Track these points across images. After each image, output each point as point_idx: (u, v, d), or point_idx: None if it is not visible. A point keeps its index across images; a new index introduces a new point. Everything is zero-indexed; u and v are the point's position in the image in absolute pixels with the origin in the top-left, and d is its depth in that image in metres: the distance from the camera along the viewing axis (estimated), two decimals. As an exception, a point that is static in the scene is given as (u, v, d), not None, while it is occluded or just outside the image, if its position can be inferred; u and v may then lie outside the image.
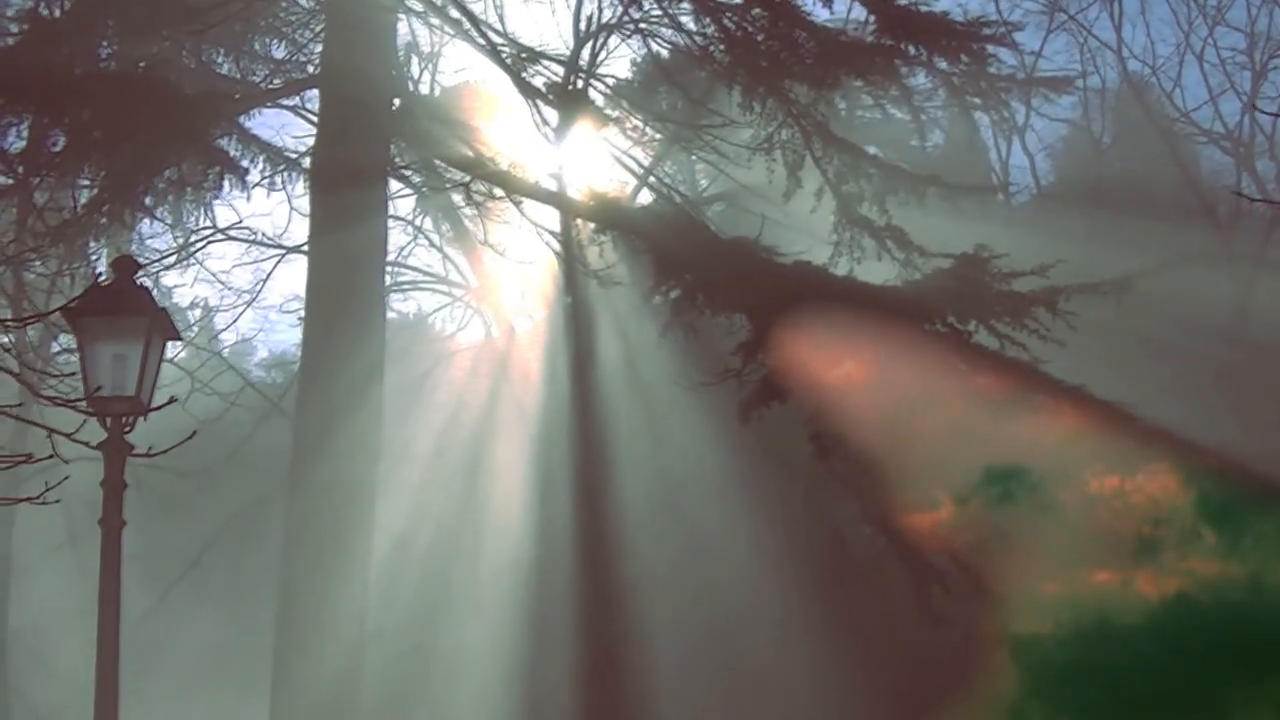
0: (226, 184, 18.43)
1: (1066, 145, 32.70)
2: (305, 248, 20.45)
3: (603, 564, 21.43)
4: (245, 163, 19.10)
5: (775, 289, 16.06)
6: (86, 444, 9.71)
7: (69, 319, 10.96)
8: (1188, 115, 29.88)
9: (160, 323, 11.04)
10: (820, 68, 17.36)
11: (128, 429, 10.80)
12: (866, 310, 15.61)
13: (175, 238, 24.07)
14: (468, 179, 18.69)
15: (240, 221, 22.81)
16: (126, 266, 11.25)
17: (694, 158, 25.24)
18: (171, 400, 11.15)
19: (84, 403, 10.38)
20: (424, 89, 24.52)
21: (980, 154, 30.56)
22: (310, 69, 20.71)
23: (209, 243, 23.33)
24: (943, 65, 18.03)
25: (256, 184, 19.53)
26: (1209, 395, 22.67)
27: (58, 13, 19.10)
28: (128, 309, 10.91)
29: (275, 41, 21.36)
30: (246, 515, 27.01)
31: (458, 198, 21.94)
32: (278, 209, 33.40)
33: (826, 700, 20.44)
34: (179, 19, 17.77)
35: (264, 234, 24.03)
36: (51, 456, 9.02)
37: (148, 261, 22.81)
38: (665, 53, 20.71)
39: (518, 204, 18.34)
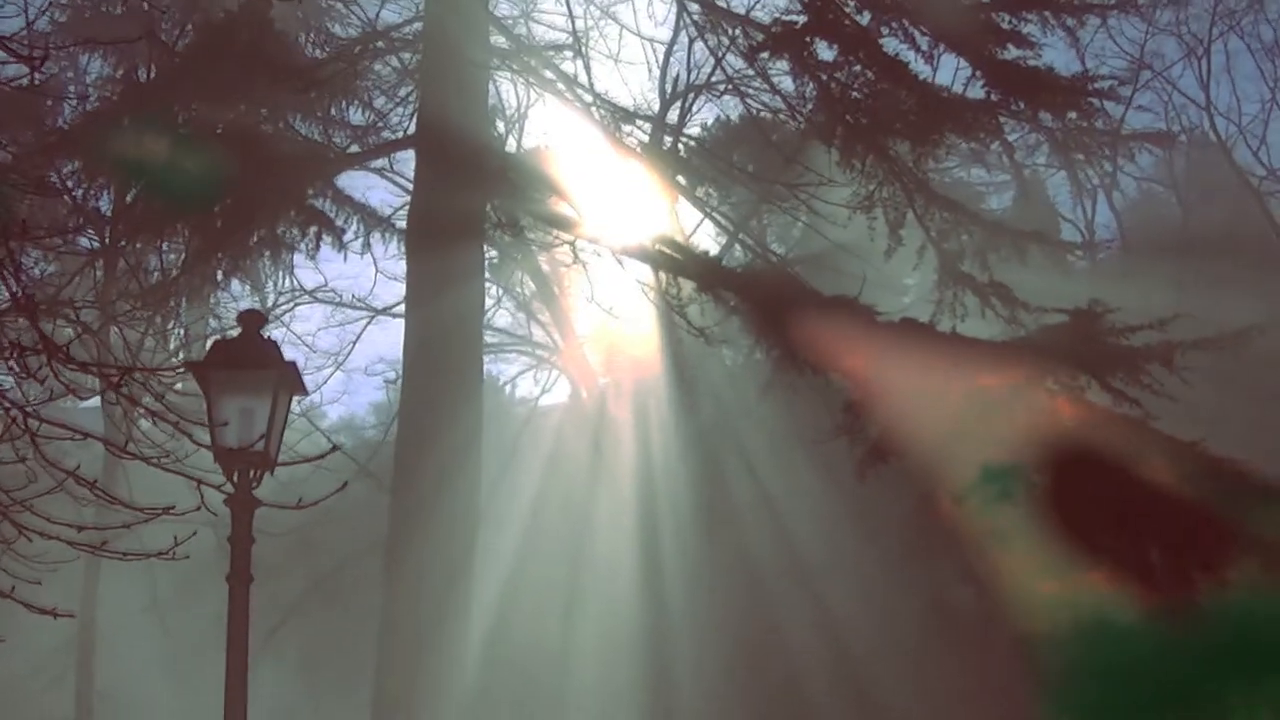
0: (323, 244, 18.53)
1: (1137, 202, 32.63)
2: (395, 310, 20.41)
3: (721, 627, 21.35)
4: (340, 223, 19.16)
5: (881, 347, 15.82)
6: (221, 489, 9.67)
7: (196, 372, 10.85)
8: (1275, 172, 29.65)
9: (288, 377, 10.93)
10: (923, 125, 17.16)
11: (255, 484, 10.71)
12: (976, 367, 15.35)
13: (253, 300, 24.09)
14: (571, 238, 18.56)
15: (325, 284, 22.83)
16: (253, 320, 11.16)
17: (765, 220, 25.22)
18: (335, 448, 11.02)
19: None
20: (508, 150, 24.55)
21: (1049, 210, 30.43)
22: (387, 134, 20.66)
23: (295, 305, 23.34)
24: (1047, 121, 17.80)
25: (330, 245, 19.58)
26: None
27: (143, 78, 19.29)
28: (256, 362, 10.82)
29: (353, 107, 21.24)
30: (329, 577, 26.94)
31: (542, 259, 21.92)
32: (362, 272, 33.73)
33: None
34: (272, 83, 17.81)
35: (354, 296, 24.03)
36: (199, 508, 8.91)
37: (233, 325, 22.92)
38: (756, 112, 20.53)
39: (619, 263, 18.17)
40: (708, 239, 23.21)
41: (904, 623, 21.37)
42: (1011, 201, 30.30)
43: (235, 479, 10.60)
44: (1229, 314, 20.60)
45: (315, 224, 18.29)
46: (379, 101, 21.14)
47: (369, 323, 24.10)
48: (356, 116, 21.26)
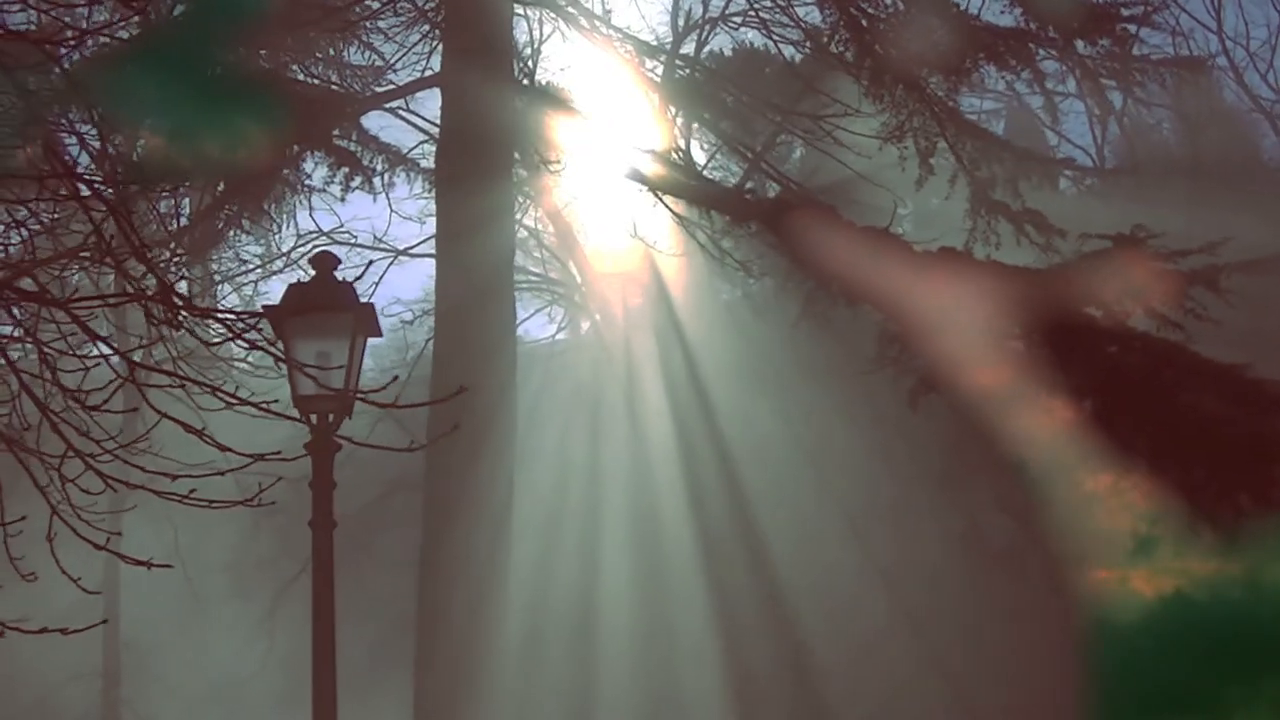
0: (353, 185, 18.46)
1: (1129, 127, 32.55)
2: (415, 250, 20.40)
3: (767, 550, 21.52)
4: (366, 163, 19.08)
5: (920, 277, 15.77)
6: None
7: (272, 318, 10.79)
8: (1283, 96, 29.64)
9: (364, 319, 10.91)
10: (955, 54, 17.09)
11: (335, 428, 10.71)
12: (1020, 294, 15.30)
13: (260, 244, 23.88)
14: (596, 171, 18.51)
15: (341, 226, 22.60)
16: (327, 262, 11.14)
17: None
18: (462, 389, 10.82)
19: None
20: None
21: (1041, 137, 30.33)
22: (391, 75, 20.49)
23: (314, 248, 23.06)
24: (1080, 48, 17.73)
25: (351, 186, 19.46)
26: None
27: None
28: (332, 305, 10.79)
29: (369, 48, 21.00)
30: (349, 520, 26.88)
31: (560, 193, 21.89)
32: (375, 213, 33.30)
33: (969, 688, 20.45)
34: (303, 23, 17.67)
35: (375, 237, 23.76)
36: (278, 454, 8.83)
37: (250, 268, 22.78)
38: (778, 43, 20.39)
39: (659, 198, 18.04)
40: (716, 170, 23.22)
41: (936, 547, 21.55)
42: (1003, 130, 30.24)
43: (314, 423, 10.64)
44: (1240, 237, 20.63)
45: (345, 165, 18.24)
46: (388, 47, 20.94)
47: (391, 264, 23.76)
48: (358, 57, 21.17)
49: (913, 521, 22.04)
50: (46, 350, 8.57)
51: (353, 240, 23.50)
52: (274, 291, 24.45)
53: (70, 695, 27.19)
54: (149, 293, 7.72)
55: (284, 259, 22.95)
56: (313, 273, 11.30)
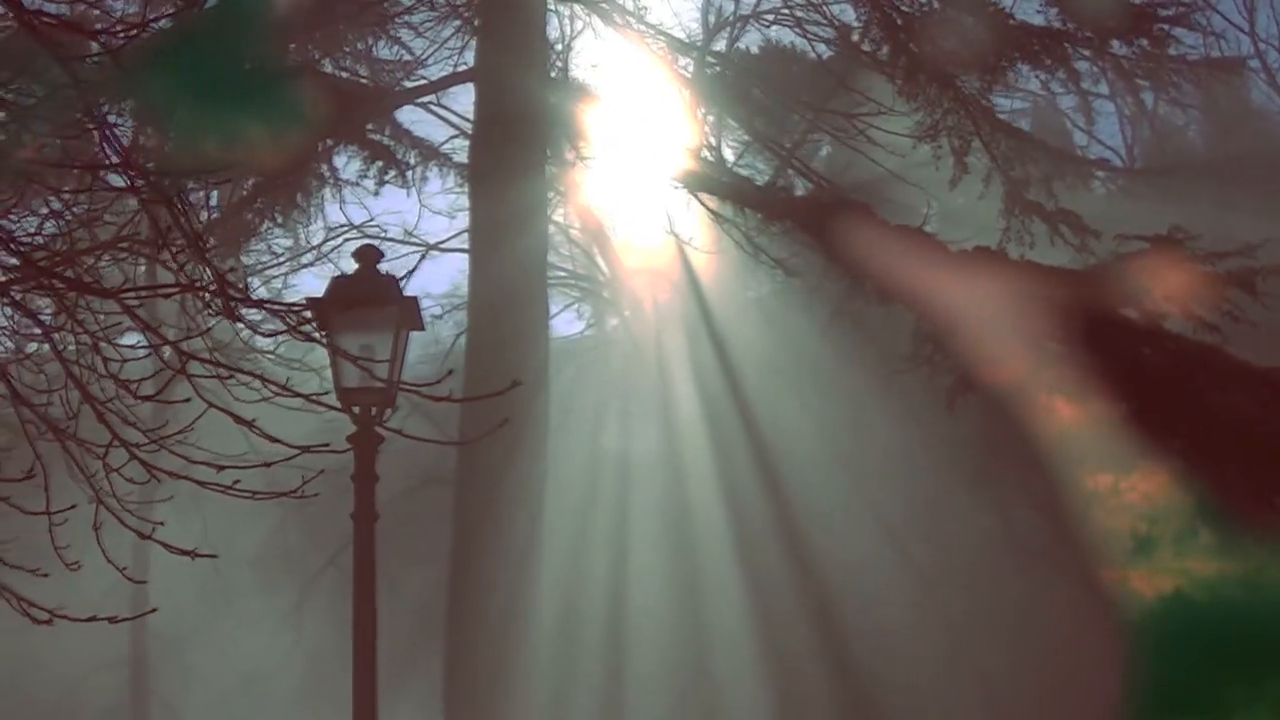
0: (386, 179, 18.49)
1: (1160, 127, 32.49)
2: (445, 245, 20.50)
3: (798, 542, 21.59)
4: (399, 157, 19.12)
5: (955, 276, 15.75)
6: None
7: (315, 311, 10.79)
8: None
9: (408, 312, 10.96)
10: (990, 53, 17.07)
11: (378, 420, 10.75)
12: (1056, 294, 15.28)
13: (289, 238, 23.89)
14: (628, 167, 18.53)
15: (371, 220, 22.60)
16: (370, 255, 11.18)
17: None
18: (515, 384, 10.67)
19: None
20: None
21: (1063, 135, 30.30)
22: (421, 71, 20.52)
23: (345, 241, 23.06)
24: (1116, 49, 17.69)
25: (386, 180, 19.46)
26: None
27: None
28: (377, 299, 10.84)
29: (400, 43, 21.03)
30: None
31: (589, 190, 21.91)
32: (402, 206, 33.46)
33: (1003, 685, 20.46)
34: (341, 16, 17.72)
35: (406, 231, 23.75)
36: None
37: (280, 261, 22.79)
38: (807, 41, 20.39)
39: (696, 196, 18.01)
40: (745, 167, 23.24)
41: (970, 544, 21.60)
42: (1030, 129, 30.18)
43: (357, 415, 10.69)
44: (1271, 239, 20.57)
45: (379, 158, 18.25)
46: (419, 42, 20.96)
47: (422, 258, 23.73)
48: (388, 52, 21.20)
49: (946, 518, 22.08)
50: (96, 340, 8.57)
51: (383, 234, 23.55)
52: (303, 285, 24.54)
53: (97, 684, 27.33)
54: (202, 283, 7.70)
55: (314, 252, 22.97)
56: (347, 266, 11.36)
